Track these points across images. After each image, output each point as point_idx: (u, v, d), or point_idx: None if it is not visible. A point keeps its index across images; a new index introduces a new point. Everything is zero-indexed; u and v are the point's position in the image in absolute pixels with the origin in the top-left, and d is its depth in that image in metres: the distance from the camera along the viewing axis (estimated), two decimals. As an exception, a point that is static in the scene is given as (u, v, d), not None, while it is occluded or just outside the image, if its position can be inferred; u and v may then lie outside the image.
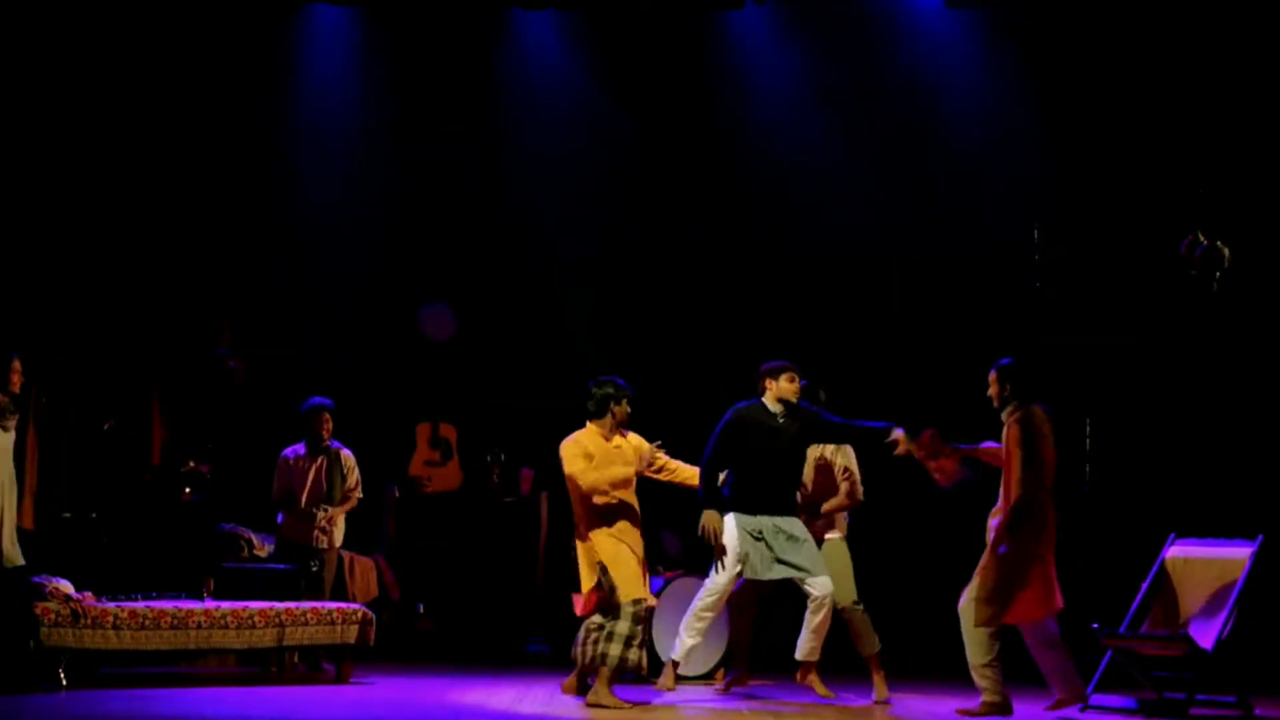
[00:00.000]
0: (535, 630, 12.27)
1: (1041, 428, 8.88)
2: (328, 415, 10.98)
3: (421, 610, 12.20)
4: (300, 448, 11.02)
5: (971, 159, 12.75)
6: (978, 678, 8.95)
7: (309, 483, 10.94)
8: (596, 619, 9.15)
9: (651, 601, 9.26)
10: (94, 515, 11.17)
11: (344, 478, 10.96)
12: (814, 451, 9.80)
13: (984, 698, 8.95)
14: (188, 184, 12.98)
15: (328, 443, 10.99)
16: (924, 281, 13.05)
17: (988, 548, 8.93)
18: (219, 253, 13.05)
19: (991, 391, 8.98)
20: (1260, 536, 9.38)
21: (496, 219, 13.71)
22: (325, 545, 10.98)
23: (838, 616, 9.55)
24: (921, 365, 12.68)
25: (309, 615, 9.87)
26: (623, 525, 9.18)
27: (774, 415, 9.49)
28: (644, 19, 13.23)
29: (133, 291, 12.58)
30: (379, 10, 13.41)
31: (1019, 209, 12.52)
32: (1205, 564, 9.47)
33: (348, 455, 11.04)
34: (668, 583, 10.61)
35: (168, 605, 9.53)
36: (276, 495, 11.01)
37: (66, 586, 9.38)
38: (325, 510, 10.90)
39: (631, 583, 9.07)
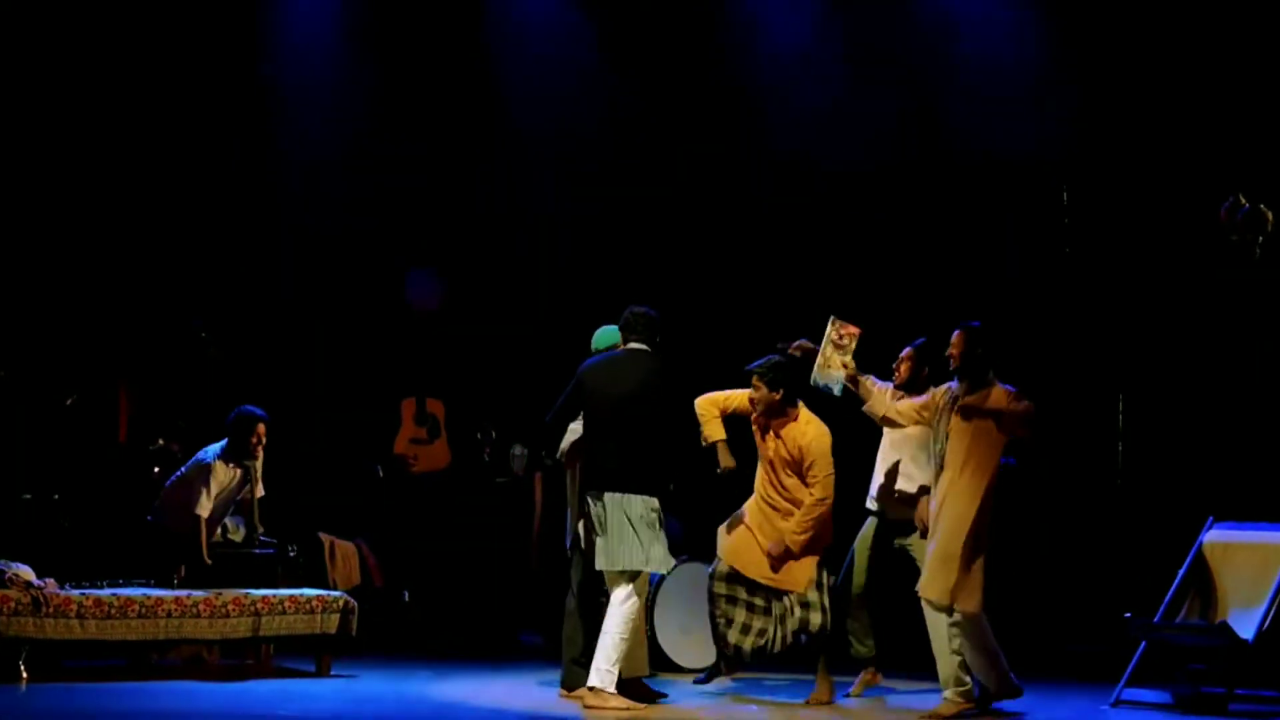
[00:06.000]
0: (528, 620, 12.09)
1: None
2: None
3: (407, 598, 11.99)
4: (217, 450, 9.99)
5: (991, 113, 12.44)
6: (979, 671, 8.56)
7: (231, 495, 10.09)
8: None
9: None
10: (56, 497, 11.02)
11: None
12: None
13: (990, 688, 8.59)
14: (162, 154, 12.81)
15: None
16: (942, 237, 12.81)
17: (947, 534, 8.42)
18: (194, 222, 12.85)
19: (955, 353, 8.49)
20: (1304, 520, 9.35)
21: (491, 185, 13.57)
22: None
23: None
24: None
25: (286, 604, 9.73)
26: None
27: None
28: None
29: (97, 256, 12.41)
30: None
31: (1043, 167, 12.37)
32: (1246, 549, 9.32)
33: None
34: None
35: (135, 593, 9.41)
36: (206, 511, 9.91)
37: (27, 573, 9.23)
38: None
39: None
